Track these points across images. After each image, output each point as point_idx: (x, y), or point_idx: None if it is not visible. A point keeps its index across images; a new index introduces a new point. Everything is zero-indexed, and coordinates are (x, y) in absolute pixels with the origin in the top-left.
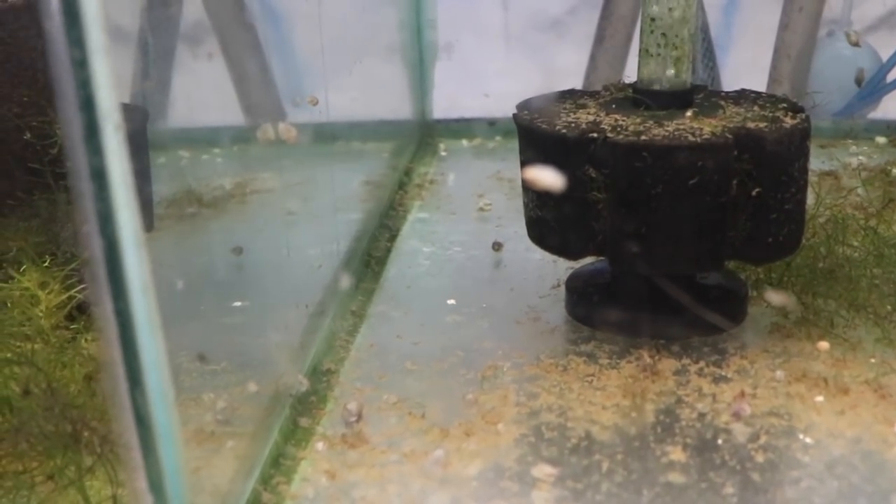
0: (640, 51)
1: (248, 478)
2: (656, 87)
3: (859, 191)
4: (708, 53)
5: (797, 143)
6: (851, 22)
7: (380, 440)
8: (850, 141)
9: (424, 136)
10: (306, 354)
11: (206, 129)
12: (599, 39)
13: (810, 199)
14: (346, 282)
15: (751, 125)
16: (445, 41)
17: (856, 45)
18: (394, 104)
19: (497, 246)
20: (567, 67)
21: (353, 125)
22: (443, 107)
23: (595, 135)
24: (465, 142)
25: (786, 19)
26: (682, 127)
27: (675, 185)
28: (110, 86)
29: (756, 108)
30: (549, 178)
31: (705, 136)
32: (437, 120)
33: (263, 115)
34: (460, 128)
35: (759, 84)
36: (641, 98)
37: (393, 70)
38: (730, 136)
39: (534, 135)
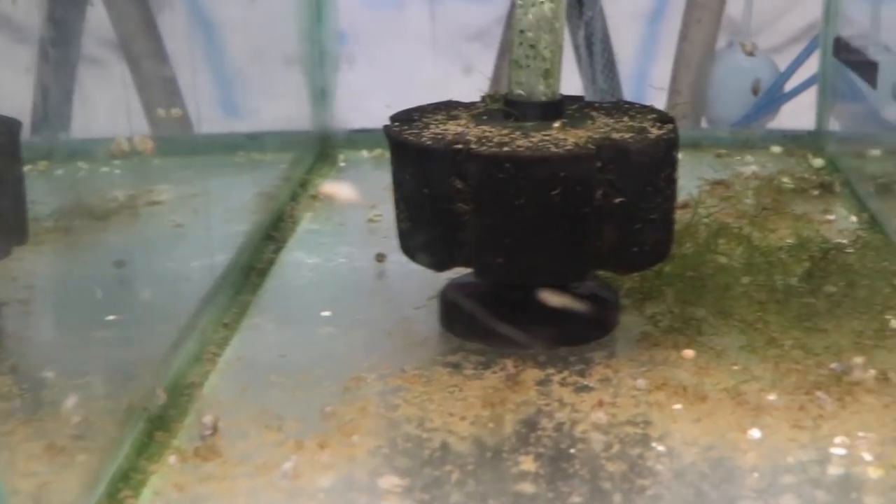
0: (510, 62)
1: (94, 492)
2: (526, 98)
3: (747, 199)
4: (608, 64)
5: (662, 154)
6: (751, 33)
7: (233, 453)
8: (747, 150)
9: (325, 147)
10: (169, 368)
11: (107, 140)
12: (503, 52)
13: (684, 214)
14: (220, 294)
15: (616, 136)
16: (349, 52)
17: (750, 54)
18: (294, 115)
19: (380, 257)
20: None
21: (253, 136)
22: (346, 117)
23: (460, 146)
24: (365, 152)
25: (685, 31)
26: (547, 138)
27: (537, 197)
28: None
29: (626, 118)
30: (345, 192)
31: (568, 148)
32: (339, 130)
33: (168, 127)
34: (362, 138)
35: None
36: (510, 110)
37: (293, 81)
38: (592, 147)
39: (401, 147)
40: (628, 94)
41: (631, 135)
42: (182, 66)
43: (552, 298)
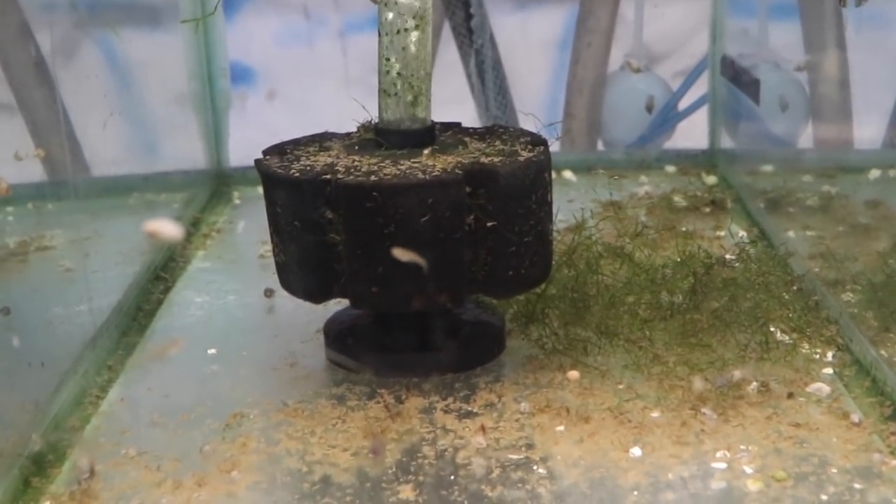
0: (378, 91)
1: None
2: (395, 126)
3: (639, 219)
4: (501, 91)
5: (532, 176)
6: (645, 50)
7: (110, 495)
8: (642, 171)
9: (219, 185)
10: (49, 413)
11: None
12: None
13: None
14: (105, 337)
15: (485, 160)
16: (240, 90)
17: (637, 71)
18: (186, 154)
19: (269, 292)
20: None
21: (147, 177)
22: (247, 155)
23: (328, 177)
24: (261, 189)
25: (576, 55)
26: (415, 165)
27: (407, 224)
28: None
29: (498, 142)
30: (168, 229)
31: (435, 174)
32: (234, 168)
33: (64, 170)
34: (256, 175)
35: None
36: (381, 139)
37: (185, 119)
38: (460, 173)
39: (271, 180)
40: (543, 121)
41: (500, 158)
42: (75, 107)
43: (402, 255)
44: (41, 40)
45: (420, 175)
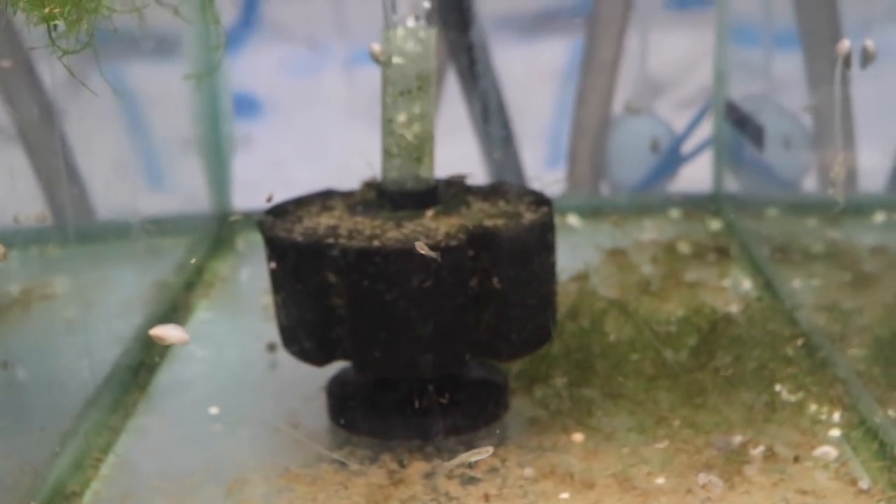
0: (382, 152)
1: None
2: (399, 187)
3: (643, 268)
4: (505, 136)
5: (537, 238)
6: (646, 95)
7: None
8: (646, 216)
9: (223, 230)
10: (48, 477)
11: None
12: None
13: (578, 287)
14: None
15: (488, 223)
16: (247, 131)
17: (636, 111)
18: (190, 198)
19: (272, 347)
20: None
21: (152, 221)
22: (248, 198)
23: (331, 241)
24: None
25: (580, 98)
26: (419, 229)
27: (409, 289)
28: None
29: (502, 202)
30: (175, 334)
31: (438, 238)
32: (238, 212)
33: (69, 213)
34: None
35: None
36: (383, 200)
37: (189, 162)
38: (463, 237)
39: (274, 242)
40: (545, 153)
41: (503, 221)
42: (80, 147)
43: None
44: (44, 76)
45: (423, 240)
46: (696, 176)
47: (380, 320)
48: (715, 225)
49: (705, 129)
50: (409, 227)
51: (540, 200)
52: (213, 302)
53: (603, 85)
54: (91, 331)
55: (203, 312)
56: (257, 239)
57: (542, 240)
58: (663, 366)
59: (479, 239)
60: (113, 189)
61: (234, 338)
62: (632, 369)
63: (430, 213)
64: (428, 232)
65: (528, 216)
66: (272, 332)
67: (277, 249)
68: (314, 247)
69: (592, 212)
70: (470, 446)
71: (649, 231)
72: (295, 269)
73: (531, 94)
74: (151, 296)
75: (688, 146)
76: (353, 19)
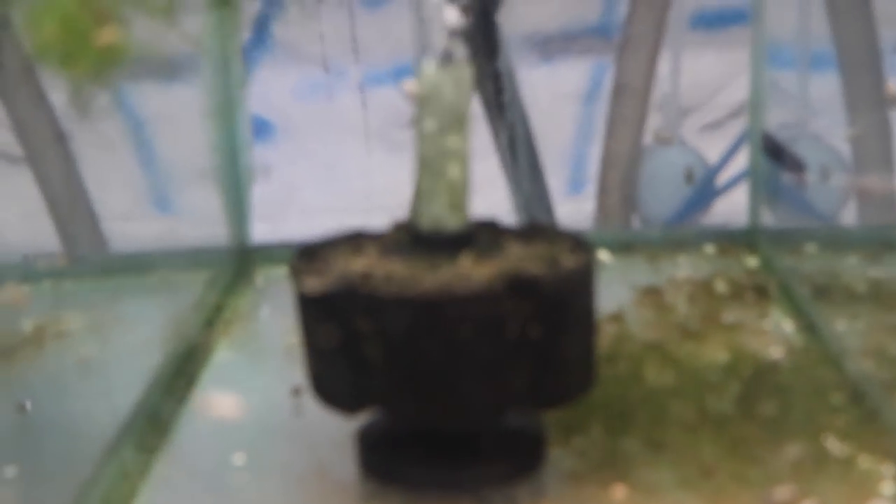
0: (415, 192)
1: None
2: (433, 230)
3: (680, 308)
4: (533, 167)
5: (577, 285)
6: (677, 125)
7: None
8: (680, 251)
9: (242, 264)
10: None
11: (14, 261)
12: None
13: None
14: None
15: (526, 269)
16: (265, 163)
17: (666, 141)
18: (208, 231)
19: (297, 391)
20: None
21: (167, 254)
22: (265, 229)
23: (364, 288)
24: (284, 270)
25: (611, 129)
26: (455, 275)
27: (446, 338)
28: None
29: (539, 246)
30: (227, 404)
31: (476, 286)
32: (257, 246)
33: (82, 243)
34: (281, 254)
35: None
36: (418, 244)
37: (207, 195)
38: (502, 284)
39: (302, 287)
40: (567, 177)
41: (542, 266)
42: (94, 180)
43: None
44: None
45: (460, 287)
46: (731, 209)
47: (415, 369)
48: (752, 262)
49: (740, 161)
50: (445, 273)
51: (578, 244)
52: (233, 341)
53: (633, 113)
54: (108, 371)
55: (223, 352)
56: (276, 274)
57: (583, 286)
58: (705, 414)
59: (519, 286)
60: (127, 219)
61: (256, 380)
62: (673, 418)
63: (466, 257)
64: (465, 278)
65: (568, 262)
66: (296, 375)
67: (308, 296)
68: (347, 294)
69: (624, 246)
70: (507, 498)
71: (684, 268)
72: (326, 316)
73: (551, 118)
74: (169, 333)
75: (722, 178)
76: (367, 41)
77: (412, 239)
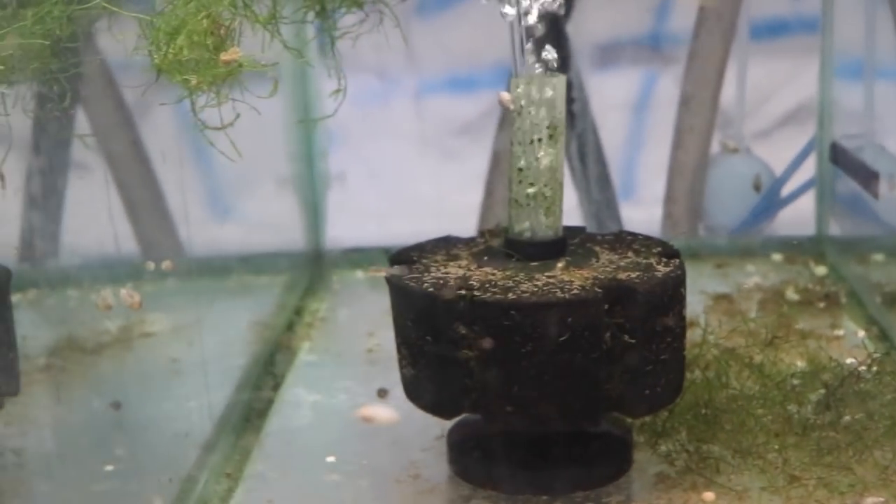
0: (509, 201)
1: None
2: (527, 237)
3: (752, 315)
4: (602, 175)
5: (671, 292)
6: (743, 136)
7: None
8: (747, 259)
9: (318, 268)
10: None
11: (97, 265)
12: (489, 191)
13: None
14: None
15: (622, 276)
16: (339, 169)
17: (734, 150)
18: (286, 235)
19: (382, 393)
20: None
21: (245, 258)
22: (337, 234)
23: (464, 292)
24: (359, 273)
25: (678, 139)
26: (551, 281)
27: (544, 343)
28: None
29: (630, 254)
30: (386, 414)
31: (574, 292)
32: (331, 250)
33: (158, 248)
34: (355, 257)
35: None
36: (512, 251)
37: (285, 200)
38: (599, 291)
39: (402, 292)
40: (618, 184)
41: (637, 274)
42: (170, 186)
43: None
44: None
45: (559, 294)
46: (796, 218)
47: (513, 373)
48: (820, 270)
49: (807, 170)
50: (541, 280)
51: (669, 252)
52: (315, 344)
53: (702, 123)
54: (197, 371)
55: (306, 355)
56: (351, 278)
57: (675, 294)
58: (789, 421)
59: (615, 293)
60: (205, 224)
61: (341, 382)
62: (757, 425)
63: (560, 264)
64: (562, 284)
65: (661, 269)
66: (379, 377)
67: (406, 300)
68: (447, 298)
69: (691, 255)
70: (597, 502)
71: (752, 275)
72: (425, 321)
73: (602, 126)
74: (253, 336)
75: (788, 188)
76: (421, 50)
77: (506, 246)
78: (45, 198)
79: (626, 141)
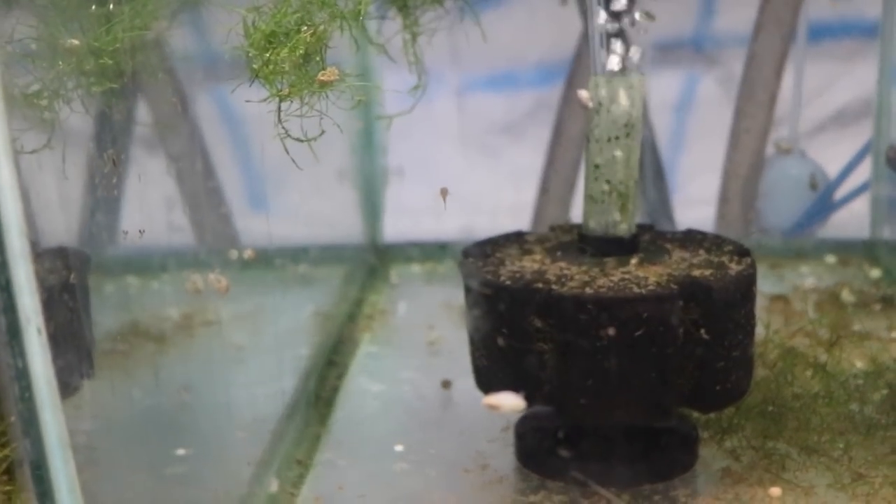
0: (584, 197)
1: None
2: (602, 233)
3: (810, 315)
4: (657, 174)
5: (743, 290)
6: (798, 136)
7: None
8: (801, 260)
9: (377, 261)
10: None
11: (157, 253)
12: (545, 189)
13: (760, 331)
14: (291, 426)
15: (696, 273)
16: (397, 164)
17: (787, 151)
18: (345, 228)
19: (446, 384)
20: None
21: (303, 249)
22: (393, 228)
23: (540, 285)
24: (416, 267)
25: (733, 140)
26: (627, 276)
27: (621, 337)
28: (31, 291)
29: (702, 252)
30: (511, 401)
31: (650, 288)
32: (388, 244)
33: (214, 238)
34: (411, 251)
35: (709, 189)
36: (587, 246)
37: (344, 194)
38: (675, 287)
39: (478, 284)
40: None
41: (711, 271)
42: (226, 173)
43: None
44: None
45: (635, 289)
46: (849, 220)
47: (588, 367)
48: (875, 273)
49: (862, 173)
50: (617, 275)
51: (740, 251)
52: (376, 335)
53: (758, 125)
54: (262, 359)
55: (368, 346)
56: (408, 272)
57: (748, 292)
58: (853, 420)
59: (689, 289)
60: (262, 215)
61: (404, 373)
62: (822, 423)
63: (634, 260)
64: (638, 281)
65: (734, 267)
66: (442, 369)
67: (481, 292)
68: (523, 291)
69: None
70: (664, 496)
71: (807, 277)
72: (500, 313)
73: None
74: (315, 326)
75: (842, 190)
76: (464, 47)
77: (580, 241)
78: (106, 188)
79: (668, 142)
